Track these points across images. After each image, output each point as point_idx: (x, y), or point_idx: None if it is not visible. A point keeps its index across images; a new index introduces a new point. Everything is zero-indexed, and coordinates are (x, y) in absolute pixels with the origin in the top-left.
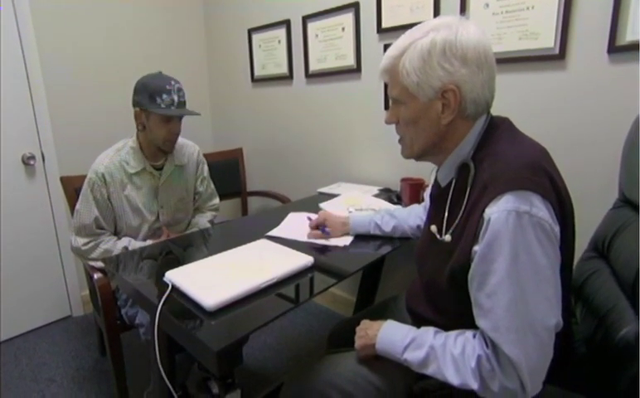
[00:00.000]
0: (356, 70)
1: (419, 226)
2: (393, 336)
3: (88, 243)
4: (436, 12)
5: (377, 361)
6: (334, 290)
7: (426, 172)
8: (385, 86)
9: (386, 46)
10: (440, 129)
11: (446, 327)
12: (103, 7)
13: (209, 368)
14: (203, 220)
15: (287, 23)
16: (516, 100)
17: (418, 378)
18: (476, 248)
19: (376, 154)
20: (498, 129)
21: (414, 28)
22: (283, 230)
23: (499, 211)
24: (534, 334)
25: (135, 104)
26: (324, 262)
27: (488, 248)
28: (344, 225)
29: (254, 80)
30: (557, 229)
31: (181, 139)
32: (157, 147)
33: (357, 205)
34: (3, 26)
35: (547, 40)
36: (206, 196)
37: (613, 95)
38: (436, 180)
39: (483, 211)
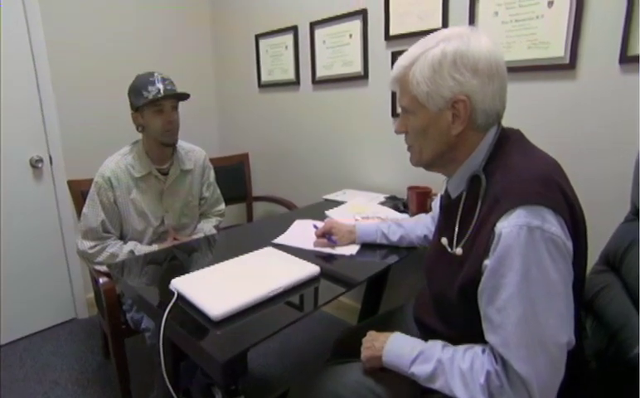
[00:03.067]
0: (363, 76)
1: (426, 236)
2: (400, 349)
3: (94, 246)
4: (444, 20)
5: (383, 373)
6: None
7: (433, 180)
8: (393, 94)
9: (394, 54)
10: (450, 140)
11: (454, 340)
12: (111, 11)
13: (214, 378)
14: (208, 226)
15: (294, 29)
16: (525, 110)
17: (424, 392)
18: (486, 262)
19: (383, 161)
20: (509, 141)
21: (426, 38)
22: (290, 237)
23: (510, 225)
24: (545, 351)
25: (131, 108)
26: (330, 271)
27: (499, 262)
28: (351, 234)
29: (260, 85)
30: (570, 244)
31: (187, 144)
32: (159, 143)
33: (363, 213)
34: (14, 29)
35: (557, 49)
36: (211, 202)
37: (624, 106)
38: (446, 191)
39: (494, 224)
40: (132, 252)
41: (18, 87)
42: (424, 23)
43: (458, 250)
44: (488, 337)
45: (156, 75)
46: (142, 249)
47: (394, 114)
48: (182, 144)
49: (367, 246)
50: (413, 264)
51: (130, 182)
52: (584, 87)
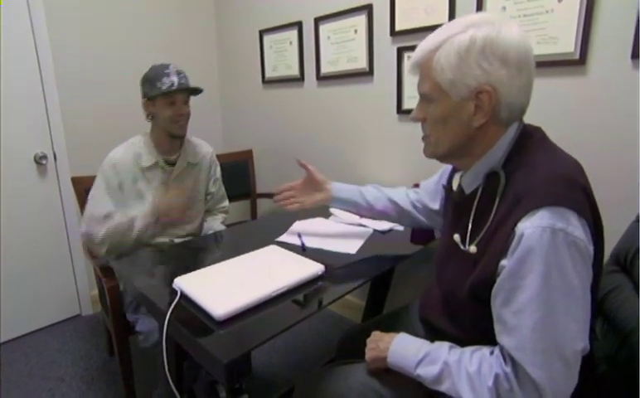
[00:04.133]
0: (368, 72)
1: (395, 203)
2: (405, 350)
3: (98, 228)
4: (451, 15)
5: (388, 374)
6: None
7: None
8: (399, 90)
9: (399, 49)
10: (469, 132)
11: (462, 340)
12: (115, 8)
13: (218, 379)
14: (217, 223)
15: (299, 25)
16: (534, 106)
17: (430, 393)
18: (504, 262)
19: (388, 159)
20: (532, 138)
21: (451, 22)
22: (293, 236)
23: (533, 226)
24: (560, 357)
25: (142, 96)
26: (335, 270)
27: (519, 264)
28: (321, 185)
29: (264, 81)
30: (591, 248)
31: (195, 139)
32: (168, 133)
33: None
34: (18, 26)
35: (567, 44)
36: (217, 198)
37: (636, 102)
38: (459, 186)
39: (515, 224)
40: (132, 220)
41: (22, 84)
42: (430, 18)
43: (472, 248)
44: (501, 339)
45: (171, 67)
46: (140, 223)
47: (399, 110)
48: (192, 139)
49: (371, 245)
50: (418, 264)
51: (137, 172)
52: (594, 83)
